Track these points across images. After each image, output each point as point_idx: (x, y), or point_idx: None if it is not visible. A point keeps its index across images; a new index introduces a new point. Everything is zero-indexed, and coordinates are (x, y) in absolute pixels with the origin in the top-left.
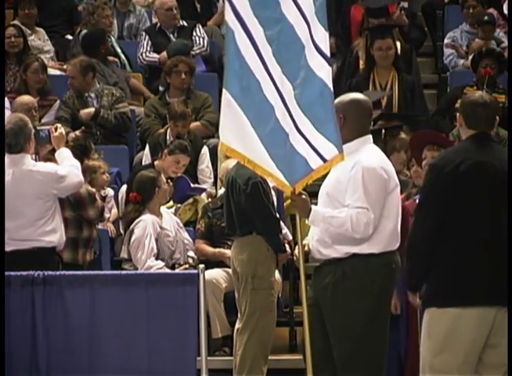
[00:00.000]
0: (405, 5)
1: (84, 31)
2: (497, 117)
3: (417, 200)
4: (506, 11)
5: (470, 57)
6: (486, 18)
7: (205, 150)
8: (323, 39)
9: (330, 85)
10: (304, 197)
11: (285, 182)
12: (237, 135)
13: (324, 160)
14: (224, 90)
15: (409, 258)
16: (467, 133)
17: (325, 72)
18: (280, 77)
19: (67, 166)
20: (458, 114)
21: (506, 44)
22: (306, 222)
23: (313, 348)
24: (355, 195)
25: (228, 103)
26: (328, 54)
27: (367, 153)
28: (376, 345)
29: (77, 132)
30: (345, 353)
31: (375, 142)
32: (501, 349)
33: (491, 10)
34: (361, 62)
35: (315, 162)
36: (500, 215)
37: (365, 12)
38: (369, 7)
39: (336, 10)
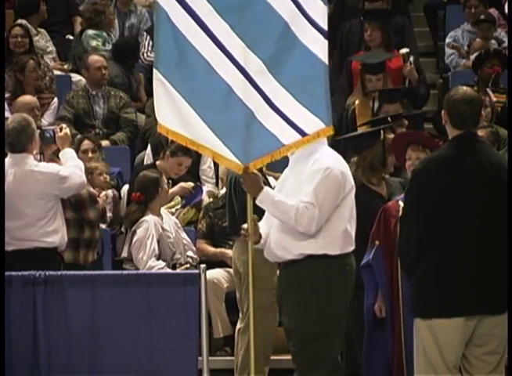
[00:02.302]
0: (412, 58)
1: (117, 38)
2: (482, 113)
3: (399, 202)
4: (507, 11)
5: (475, 55)
6: (482, 17)
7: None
8: (321, 13)
9: (325, 59)
10: (254, 175)
11: (235, 160)
12: (175, 116)
13: (304, 133)
14: (155, 70)
15: (402, 267)
16: (453, 132)
17: (320, 46)
18: (243, 52)
19: (70, 167)
20: (443, 111)
21: (506, 44)
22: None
23: None
24: (307, 190)
25: (161, 83)
26: (325, 28)
27: (326, 153)
28: (334, 345)
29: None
30: (302, 355)
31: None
32: (487, 349)
33: (492, 10)
34: (358, 122)
35: (289, 137)
36: (485, 223)
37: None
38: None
39: (340, 62)
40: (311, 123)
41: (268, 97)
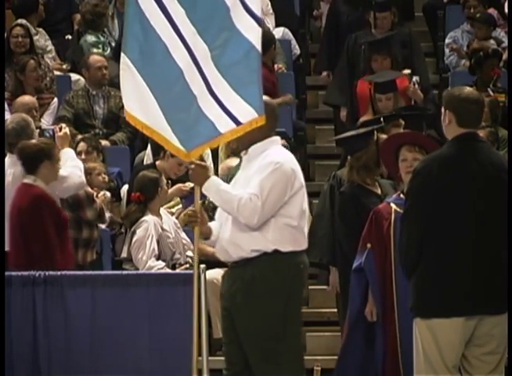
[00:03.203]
0: (417, 78)
1: (117, 39)
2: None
3: (391, 204)
4: (506, 11)
5: (472, 57)
6: (478, 15)
7: (207, 150)
8: (255, 0)
9: (258, 47)
10: (203, 164)
11: (179, 147)
12: (137, 101)
13: (238, 123)
14: (122, 54)
15: (401, 267)
16: (456, 131)
17: (254, 33)
18: (194, 38)
19: (69, 167)
20: (447, 112)
21: (506, 44)
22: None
23: (231, 361)
24: (254, 183)
25: (127, 67)
26: (259, 14)
27: (278, 150)
28: (291, 345)
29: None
30: (261, 357)
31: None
32: (486, 349)
33: (491, 10)
34: None
35: (225, 125)
36: (485, 223)
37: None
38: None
39: (348, 83)
40: (245, 112)
41: (209, 84)
